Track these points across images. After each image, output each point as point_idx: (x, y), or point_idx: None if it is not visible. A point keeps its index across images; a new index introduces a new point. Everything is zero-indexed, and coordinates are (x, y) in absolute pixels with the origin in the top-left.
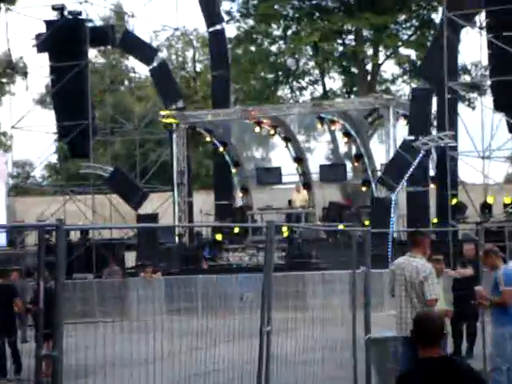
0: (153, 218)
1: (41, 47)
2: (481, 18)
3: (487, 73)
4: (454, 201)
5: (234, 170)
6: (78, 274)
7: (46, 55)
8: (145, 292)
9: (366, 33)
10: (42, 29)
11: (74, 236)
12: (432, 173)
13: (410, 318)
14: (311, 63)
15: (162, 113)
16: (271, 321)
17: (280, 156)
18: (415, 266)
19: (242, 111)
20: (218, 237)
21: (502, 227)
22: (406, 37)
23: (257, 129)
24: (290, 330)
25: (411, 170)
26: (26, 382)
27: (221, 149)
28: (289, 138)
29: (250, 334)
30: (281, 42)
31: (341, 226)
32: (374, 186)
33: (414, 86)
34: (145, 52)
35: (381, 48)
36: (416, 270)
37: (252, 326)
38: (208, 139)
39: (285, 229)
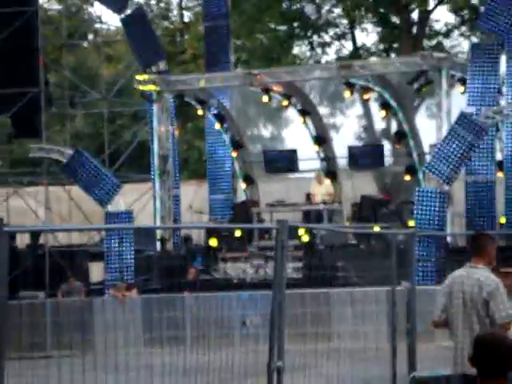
0: (126, 217)
1: None
2: None
3: None
4: None
5: (234, 154)
6: (25, 291)
7: None
8: (115, 316)
9: None
10: None
11: (21, 241)
12: (500, 156)
13: (469, 351)
14: (337, 11)
15: (139, 77)
16: (283, 354)
17: (296, 135)
18: (477, 278)
19: (246, 75)
20: (213, 242)
21: None
22: None
23: (265, 98)
24: (308, 366)
25: (471, 152)
26: None
27: (217, 125)
28: (307, 112)
29: (255, 371)
30: None
31: (376, 228)
32: (421, 174)
33: (474, 40)
34: None
35: None
36: (478, 284)
37: (258, 361)
38: (200, 112)
39: (302, 231)
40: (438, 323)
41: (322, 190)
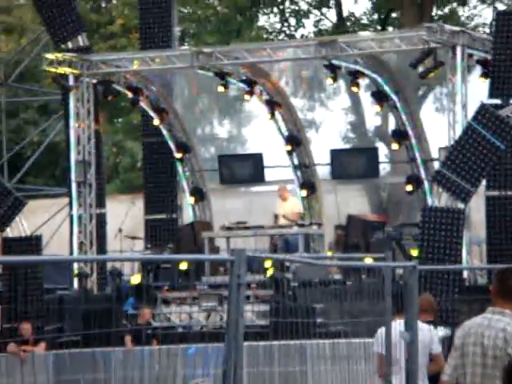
0: (32, 244)
1: None
2: None
3: None
4: None
5: (179, 159)
6: None
7: None
8: (15, 378)
9: None
10: None
11: None
12: None
13: None
14: None
15: (50, 56)
16: None
17: (261, 135)
18: (502, 328)
19: (195, 54)
20: (137, 279)
21: None
22: None
23: (220, 88)
24: None
25: (494, 158)
26: None
27: (156, 121)
28: (277, 103)
29: None
30: None
31: (368, 260)
32: (427, 186)
33: (501, 7)
34: None
35: None
36: (503, 335)
37: None
38: (133, 104)
39: (268, 264)
40: None
41: (287, 208)
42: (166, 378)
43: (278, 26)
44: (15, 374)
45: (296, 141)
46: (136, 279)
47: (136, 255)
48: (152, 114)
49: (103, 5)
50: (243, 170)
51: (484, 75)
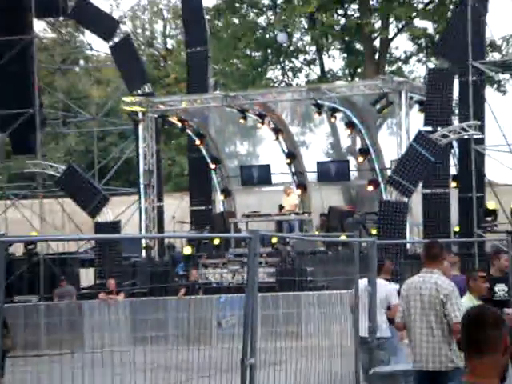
0: (114, 227)
1: None
2: None
3: None
4: (481, 205)
5: (213, 169)
6: (20, 296)
7: None
8: (104, 317)
9: (372, 1)
10: None
11: (17, 249)
12: (453, 171)
13: (427, 348)
14: (306, 39)
15: (126, 99)
16: (256, 352)
17: (269, 151)
18: (434, 282)
19: (224, 97)
20: (188, 250)
21: None
22: (421, 5)
23: (241, 121)
24: (279, 362)
25: (428, 167)
26: None
27: (197, 142)
28: (280, 130)
29: (229, 367)
30: (270, 13)
31: (343, 237)
32: (382, 187)
33: (431, 65)
34: (104, 24)
35: (391, 19)
36: (436, 287)
37: (233, 359)
38: (182, 131)
39: (274, 240)
40: (401, 326)
41: (290, 201)
42: (205, 317)
43: (280, 77)
44: (104, 314)
45: (293, 156)
46: (188, 250)
47: (184, 234)
48: (194, 137)
49: (162, 64)
50: (257, 175)
51: (420, 110)
